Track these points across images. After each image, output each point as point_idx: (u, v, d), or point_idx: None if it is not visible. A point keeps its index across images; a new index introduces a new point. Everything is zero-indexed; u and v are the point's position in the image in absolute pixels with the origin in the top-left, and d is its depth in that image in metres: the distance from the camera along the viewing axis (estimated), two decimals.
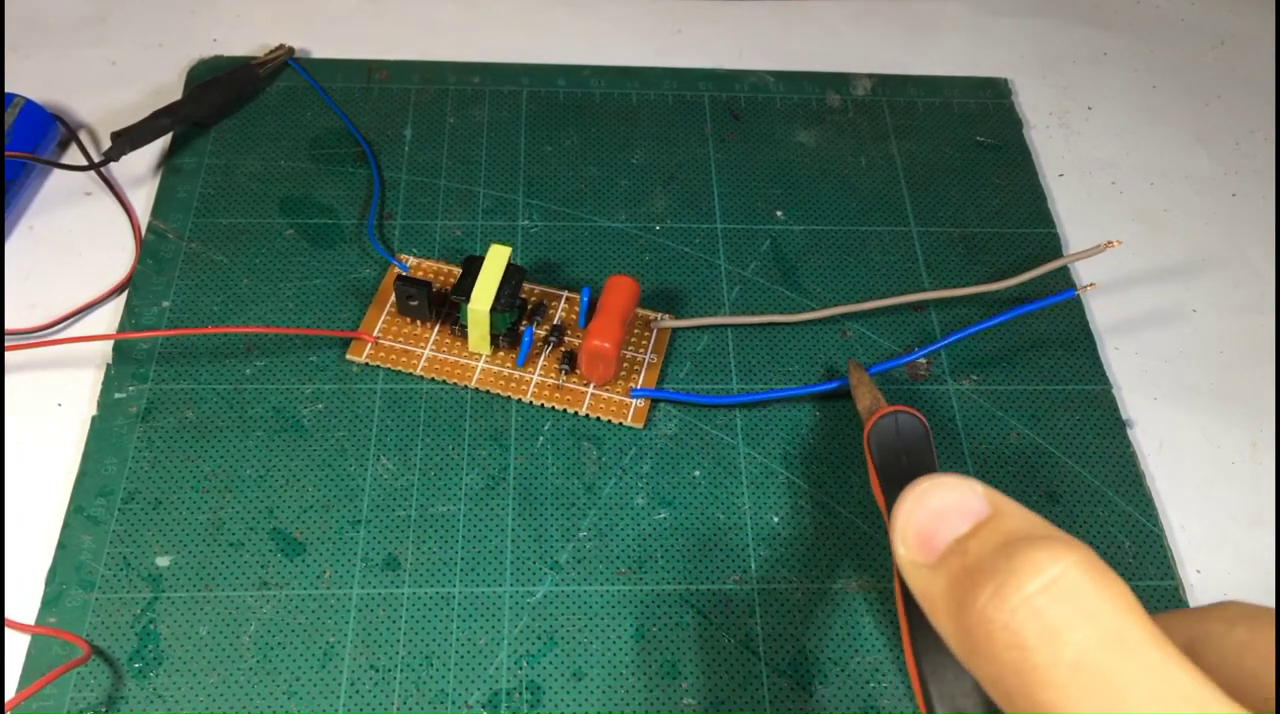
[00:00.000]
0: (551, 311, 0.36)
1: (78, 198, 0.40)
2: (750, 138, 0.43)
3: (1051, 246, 0.41)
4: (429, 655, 0.29)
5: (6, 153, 0.37)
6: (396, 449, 0.33)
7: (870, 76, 0.46)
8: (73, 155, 0.41)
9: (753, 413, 0.35)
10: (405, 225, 0.39)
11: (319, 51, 0.45)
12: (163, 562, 0.31)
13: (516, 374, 0.35)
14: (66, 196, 0.40)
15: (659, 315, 0.37)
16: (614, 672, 0.29)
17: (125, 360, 0.35)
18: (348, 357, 0.35)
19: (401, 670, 0.29)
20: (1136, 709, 0.14)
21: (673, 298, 0.38)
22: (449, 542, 0.31)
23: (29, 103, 0.39)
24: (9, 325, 0.35)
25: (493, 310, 0.33)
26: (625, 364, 0.35)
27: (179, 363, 0.35)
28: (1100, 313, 0.39)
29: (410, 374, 0.35)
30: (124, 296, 0.36)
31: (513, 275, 0.34)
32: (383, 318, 0.36)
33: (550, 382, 0.35)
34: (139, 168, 0.40)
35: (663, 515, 0.32)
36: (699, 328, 0.37)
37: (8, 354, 0.34)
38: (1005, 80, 0.47)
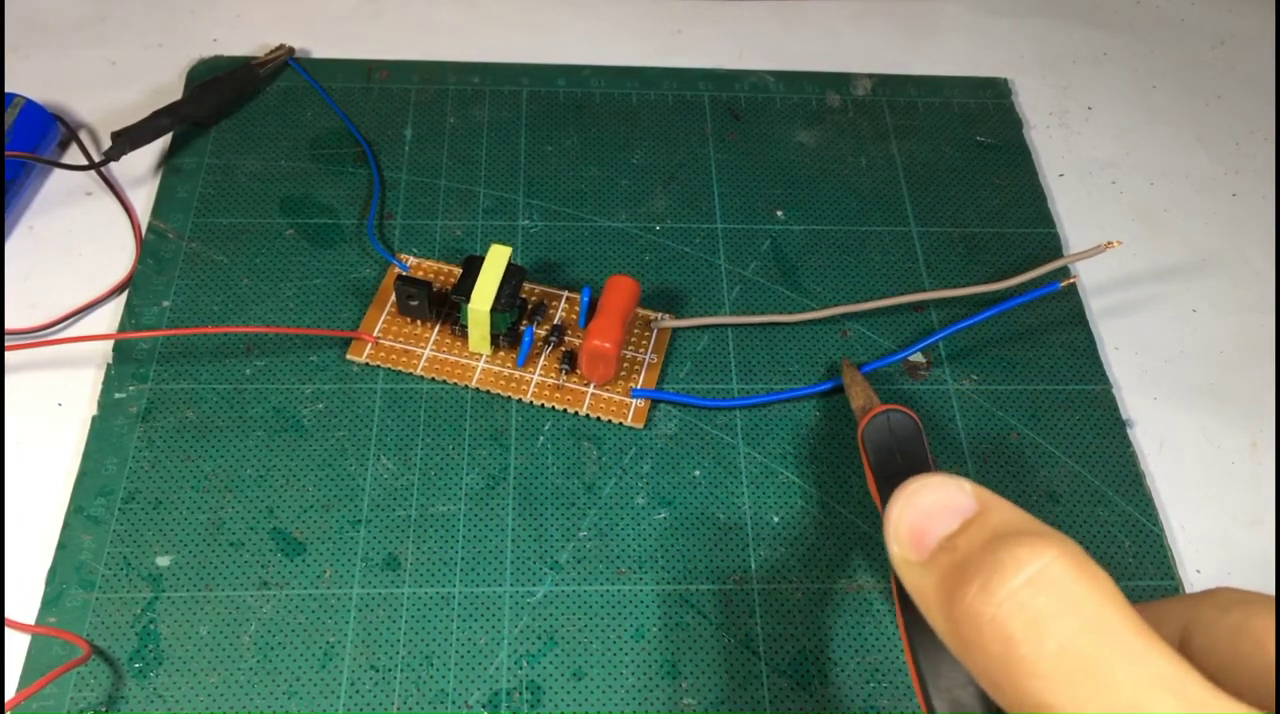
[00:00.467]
0: (552, 311, 0.36)
1: (78, 198, 0.40)
2: (750, 138, 0.43)
3: (1051, 246, 0.41)
4: (429, 655, 0.29)
5: (6, 153, 0.37)
6: (397, 449, 0.33)
7: (870, 76, 0.46)
8: (73, 155, 0.41)
9: (753, 413, 0.35)
10: (405, 225, 0.39)
11: (319, 51, 0.45)
12: (163, 561, 0.31)
13: (517, 374, 0.35)
14: (67, 196, 0.40)
15: (659, 315, 0.37)
16: (614, 672, 0.30)
17: (125, 360, 0.35)
18: (348, 356, 0.35)
19: (401, 670, 0.29)
20: (1119, 693, 0.15)
21: (673, 298, 0.38)
22: (449, 541, 0.32)
23: (29, 103, 0.39)
24: (9, 325, 0.35)
25: (493, 310, 0.33)
26: (625, 364, 0.35)
27: (179, 363, 0.35)
28: (1100, 313, 0.39)
29: (410, 374, 0.35)
30: (124, 296, 0.36)
31: (513, 275, 0.34)
32: (383, 318, 0.36)
33: (550, 382, 0.35)
34: (139, 168, 0.40)
35: (663, 515, 0.32)
36: (699, 328, 0.37)
37: (8, 354, 0.34)
38: (1005, 80, 0.47)
